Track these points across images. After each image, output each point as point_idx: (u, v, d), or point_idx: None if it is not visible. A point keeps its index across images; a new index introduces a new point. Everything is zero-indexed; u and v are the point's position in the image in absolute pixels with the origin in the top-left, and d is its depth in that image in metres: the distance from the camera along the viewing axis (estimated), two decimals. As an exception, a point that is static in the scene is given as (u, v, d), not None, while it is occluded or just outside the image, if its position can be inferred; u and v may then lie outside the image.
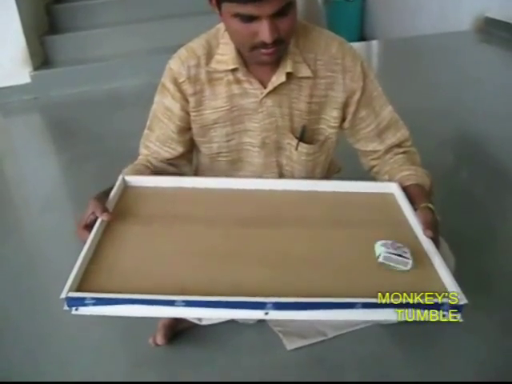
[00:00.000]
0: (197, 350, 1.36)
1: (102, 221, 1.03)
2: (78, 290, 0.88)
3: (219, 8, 1.09)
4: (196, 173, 1.44)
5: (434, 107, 2.70)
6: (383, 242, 0.98)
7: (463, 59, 3.61)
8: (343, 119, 1.30)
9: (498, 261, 1.57)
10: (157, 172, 1.29)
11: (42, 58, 4.09)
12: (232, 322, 1.35)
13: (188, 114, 1.27)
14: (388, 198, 1.20)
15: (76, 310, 0.87)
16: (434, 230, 1.03)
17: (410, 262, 0.94)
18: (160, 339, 1.33)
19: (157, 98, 1.30)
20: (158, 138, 1.30)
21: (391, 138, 1.29)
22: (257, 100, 1.23)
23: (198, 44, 1.24)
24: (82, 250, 0.97)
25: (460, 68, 3.43)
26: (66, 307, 0.87)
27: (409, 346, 1.32)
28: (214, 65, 1.22)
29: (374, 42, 4.70)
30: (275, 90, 1.22)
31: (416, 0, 4.83)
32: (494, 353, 1.29)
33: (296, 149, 1.28)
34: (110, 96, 3.73)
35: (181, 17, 4.06)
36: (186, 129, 1.29)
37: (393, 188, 1.21)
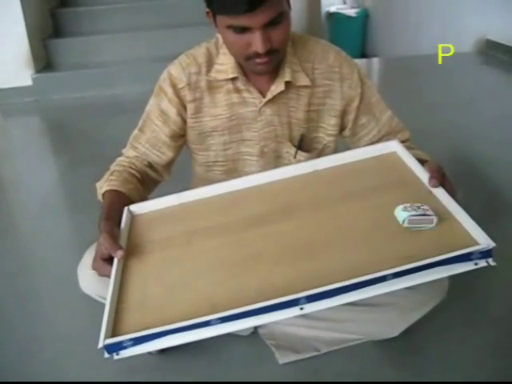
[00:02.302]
0: (189, 360, 1.35)
1: (120, 259, 1.00)
2: (114, 334, 0.86)
3: (215, 20, 1.11)
4: (191, 184, 1.43)
5: (431, 127, 2.71)
6: (402, 206, 0.96)
7: (463, 81, 3.63)
8: (343, 128, 1.32)
9: (494, 283, 1.58)
10: (140, 177, 1.27)
11: (44, 61, 4.11)
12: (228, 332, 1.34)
13: (183, 119, 1.27)
14: (391, 157, 1.16)
15: (117, 354, 0.85)
16: (440, 177, 1.02)
17: (435, 218, 0.93)
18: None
19: (152, 101, 1.30)
20: (149, 141, 1.29)
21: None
22: (256, 109, 1.24)
23: (199, 52, 1.26)
24: (102, 284, 0.96)
25: (460, 89, 3.45)
26: (106, 355, 0.85)
27: (401, 363, 1.31)
28: (213, 74, 1.23)
29: (376, 60, 4.74)
30: (274, 98, 1.23)
31: (418, 20, 4.88)
32: (486, 373, 1.29)
33: (294, 157, 1.29)
34: (111, 102, 3.74)
35: (184, 26, 4.09)
36: (178, 135, 1.29)
37: (393, 146, 1.18)
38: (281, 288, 0.87)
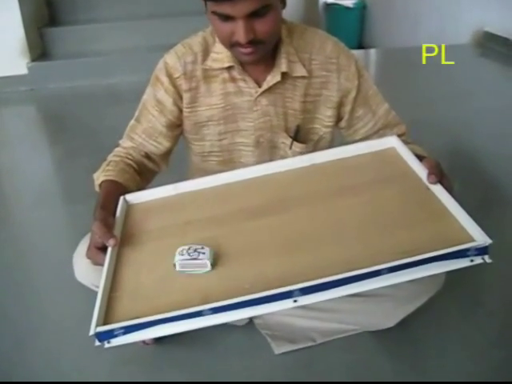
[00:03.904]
0: (184, 351, 1.35)
1: (113, 247, 1.00)
2: (106, 322, 0.86)
3: (205, 6, 1.11)
4: (188, 174, 1.43)
5: (429, 120, 2.70)
6: (181, 249, 0.95)
7: (461, 73, 3.62)
8: (339, 119, 1.31)
9: (490, 275, 1.58)
10: (137, 168, 1.27)
11: (40, 49, 4.07)
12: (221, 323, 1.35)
13: (179, 109, 1.27)
14: (389, 152, 1.16)
15: (108, 342, 0.85)
16: (438, 172, 1.02)
17: (208, 263, 0.92)
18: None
19: (148, 90, 1.29)
20: (145, 131, 1.28)
21: (389, 134, 1.29)
22: (251, 99, 1.24)
23: (195, 41, 1.25)
24: (94, 270, 0.96)
25: (457, 82, 3.44)
26: (97, 343, 0.85)
27: (397, 354, 1.32)
28: (209, 63, 1.23)
29: (373, 51, 4.73)
30: (270, 89, 1.23)
31: (416, 11, 4.86)
32: (483, 363, 1.29)
33: (290, 148, 1.29)
34: (108, 91, 3.72)
35: (181, 15, 4.05)
36: (175, 124, 1.29)
37: (392, 141, 1.18)
38: (275, 280, 0.87)
